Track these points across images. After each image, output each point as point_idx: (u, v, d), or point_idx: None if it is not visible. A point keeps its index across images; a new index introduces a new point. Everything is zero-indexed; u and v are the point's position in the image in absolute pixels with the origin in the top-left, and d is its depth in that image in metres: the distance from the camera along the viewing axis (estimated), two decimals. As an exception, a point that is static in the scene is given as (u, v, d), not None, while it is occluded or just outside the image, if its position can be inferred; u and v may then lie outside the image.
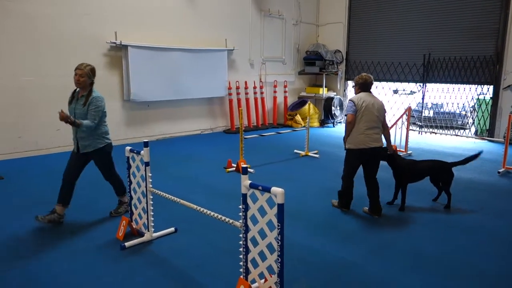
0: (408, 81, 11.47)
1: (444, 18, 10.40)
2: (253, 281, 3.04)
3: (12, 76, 7.20)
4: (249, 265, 3.03)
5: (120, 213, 4.72)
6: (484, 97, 10.25)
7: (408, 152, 8.10)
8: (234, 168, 6.73)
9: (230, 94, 10.56)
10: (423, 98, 11.18)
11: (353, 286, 3.33)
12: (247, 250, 3.00)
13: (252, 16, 11.06)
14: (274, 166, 7.21)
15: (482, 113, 10.19)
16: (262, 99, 11.42)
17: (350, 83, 12.65)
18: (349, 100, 4.78)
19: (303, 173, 6.74)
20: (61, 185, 4.41)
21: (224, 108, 10.81)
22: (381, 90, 12.16)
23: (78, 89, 4.38)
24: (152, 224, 4.06)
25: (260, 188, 2.77)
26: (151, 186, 3.97)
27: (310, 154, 7.93)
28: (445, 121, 11.34)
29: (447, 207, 5.09)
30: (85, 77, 4.26)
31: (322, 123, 12.15)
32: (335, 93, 12.45)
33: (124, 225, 4.15)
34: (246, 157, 6.97)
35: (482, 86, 10.29)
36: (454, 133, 10.69)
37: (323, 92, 12.15)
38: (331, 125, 12.06)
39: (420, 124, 11.31)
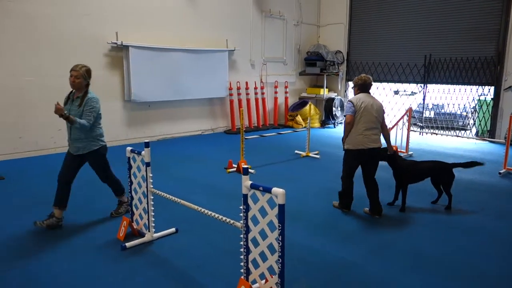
0: (409, 82, 11.47)
1: (445, 19, 10.40)
2: (254, 282, 3.03)
3: (13, 76, 7.20)
4: (250, 265, 3.02)
5: (121, 213, 4.72)
6: (485, 98, 10.24)
7: (409, 153, 8.09)
8: (235, 169, 6.73)
9: (231, 94, 10.56)
10: (424, 99, 11.18)
11: (353, 286, 3.33)
12: (248, 251, 2.99)
13: (253, 16, 11.06)
14: (275, 166, 7.21)
15: (483, 114, 10.19)
16: (263, 99, 11.42)
17: (351, 84, 12.64)
18: (348, 101, 4.80)
19: (304, 173, 6.74)
20: (57, 187, 4.33)
21: (225, 108, 10.81)
22: (382, 91, 12.16)
23: (74, 90, 4.34)
24: (153, 224, 4.06)
25: (261, 188, 2.77)
26: (152, 186, 3.97)
27: (311, 154, 7.93)
28: (446, 122, 11.34)
29: (448, 208, 5.08)
30: (81, 79, 4.22)
31: (323, 124, 12.14)
32: (336, 94, 12.45)
33: (125, 225, 4.15)
34: (247, 157, 6.97)
35: (483, 87, 10.28)
36: (455, 134, 10.68)
37: (324, 92, 12.15)
38: (332, 125, 12.06)
39: (421, 125, 11.31)
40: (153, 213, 4.03)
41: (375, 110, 4.71)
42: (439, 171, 5.09)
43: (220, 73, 10.22)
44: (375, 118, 4.71)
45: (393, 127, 7.98)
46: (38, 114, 7.45)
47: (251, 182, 2.85)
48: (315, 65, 12.23)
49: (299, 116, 11.66)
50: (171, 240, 4.13)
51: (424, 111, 11.38)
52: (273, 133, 8.67)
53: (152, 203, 4.01)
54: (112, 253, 3.82)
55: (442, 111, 11.64)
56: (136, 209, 4.20)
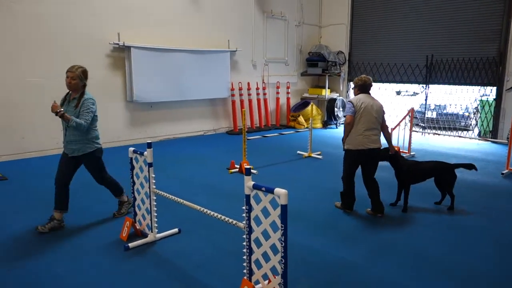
0: (411, 82, 11.46)
1: (447, 20, 10.39)
2: (257, 282, 3.04)
3: (16, 77, 7.23)
4: (253, 266, 3.03)
5: (123, 213, 4.73)
6: (487, 98, 10.23)
7: (411, 153, 8.09)
8: (237, 169, 6.73)
9: (233, 95, 10.57)
10: (426, 100, 11.17)
11: (354, 287, 3.33)
12: (250, 251, 3.00)
13: (255, 17, 11.07)
14: (277, 167, 7.21)
15: (485, 114, 10.17)
16: (265, 100, 11.42)
17: (352, 85, 12.64)
18: (348, 101, 4.83)
19: (306, 174, 6.74)
20: (55, 190, 4.31)
21: (227, 109, 10.82)
22: (384, 91, 12.15)
23: (70, 91, 4.31)
24: (156, 225, 4.07)
25: (263, 189, 2.77)
26: (154, 187, 3.98)
27: (313, 155, 7.93)
28: (448, 122, 11.32)
29: (451, 209, 5.08)
30: (77, 80, 4.20)
31: (325, 124, 12.14)
32: (337, 94, 12.45)
33: (127, 225, 4.16)
34: (249, 158, 6.98)
35: (485, 87, 10.27)
36: (457, 134, 10.67)
37: (326, 93, 12.15)
38: (334, 126, 12.06)
39: (423, 125, 11.29)
40: (155, 214, 4.04)
41: (375, 110, 4.72)
42: (441, 171, 5.08)
43: (222, 74, 10.24)
44: (375, 119, 4.72)
45: (395, 127, 7.97)
46: (41, 114, 7.46)
47: (253, 182, 2.85)
48: (317, 65, 12.23)
49: (301, 116, 11.66)
50: (174, 240, 4.14)
51: (426, 111, 11.37)
52: (275, 134, 8.68)
53: (155, 203, 4.01)
54: (115, 253, 3.83)
55: (444, 111, 11.63)
56: (139, 210, 4.22)
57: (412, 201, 5.20)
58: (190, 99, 9.83)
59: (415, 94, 12.62)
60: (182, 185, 5.97)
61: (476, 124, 10.85)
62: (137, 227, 4.22)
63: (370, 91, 4.92)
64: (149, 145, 3.88)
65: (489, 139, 9.84)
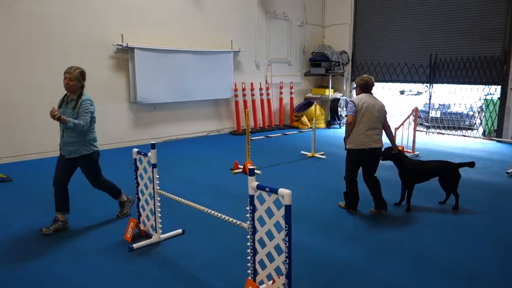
0: (415, 82, 11.43)
1: (451, 18, 10.35)
2: (261, 283, 3.04)
3: (18, 77, 7.26)
4: (257, 266, 3.03)
5: (126, 213, 4.73)
6: (492, 97, 10.18)
7: (416, 153, 8.06)
8: (240, 170, 6.74)
9: (236, 95, 10.58)
10: (430, 99, 11.13)
11: (357, 287, 3.33)
12: (254, 252, 3.00)
13: (258, 17, 11.08)
14: (280, 167, 7.21)
15: (490, 113, 10.12)
16: (268, 100, 11.42)
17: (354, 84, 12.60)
18: (350, 101, 4.85)
19: (309, 174, 6.73)
20: (54, 192, 4.30)
21: (230, 109, 10.83)
22: (387, 91, 12.12)
23: (68, 93, 4.29)
24: (160, 225, 4.07)
25: (267, 189, 2.77)
26: (158, 187, 3.99)
27: (316, 155, 7.92)
28: (452, 121, 11.28)
29: (455, 208, 5.05)
30: (75, 81, 4.16)
31: (329, 124, 12.13)
32: (341, 94, 12.43)
33: (132, 226, 4.17)
34: (253, 158, 6.98)
35: (489, 86, 10.22)
36: (461, 133, 10.62)
37: (329, 93, 12.13)
38: (338, 126, 12.03)
39: (427, 124, 11.26)
40: (160, 214, 4.04)
41: (376, 110, 4.74)
42: (445, 171, 5.06)
43: (225, 74, 10.24)
44: (377, 118, 4.74)
45: (399, 127, 7.96)
46: (41, 115, 7.42)
47: (257, 183, 2.85)
48: (320, 65, 12.22)
49: (304, 116, 11.65)
50: (178, 241, 4.15)
51: (430, 111, 11.33)
52: (279, 134, 8.67)
53: (159, 204, 4.02)
54: (120, 254, 3.84)
55: (449, 110, 11.59)
56: (143, 211, 4.22)
57: (417, 200, 5.19)
58: (194, 100, 9.85)
59: (419, 93, 12.59)
60: (186, 186, 5.98)
61: (481, 123, 10.80)
62: (142, 228, 4.23)
63: (372, 91, 4.94)
64: (153, 146, 3.89)
65: (494, 138, 9.79)
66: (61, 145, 4.31)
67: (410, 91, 13.31)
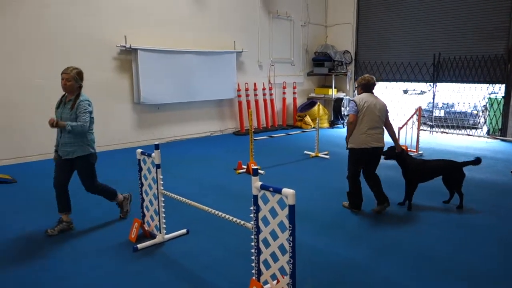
0: (418, 81, 11.39)
1: (454, 17, 10.32)
2: (266, 283, 3.04)
3: (20, 78, 7.28)
4: (261, 266, 3.03)
5: (127, 211, 4.75)
6: (496, 96, 10.14)
7: (419, 152, 8.04)
8: (244, 170, 6.74)
9: (239, 96, 10.59)
10: (433, 98, 11.10)
11: (359, 286, 3.33)
12: (259, 252, 3.00)
13: (261, 18, 11.08)
14: (284, 167, 7.21)
15: (494, 112, 10.08)
16: (271, 100, 11.42)
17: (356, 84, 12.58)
18: (351, 100, 4.86)
19: (313, 174, 6.73)
20: (56, 194, 4.30)
21: (234, 110, 10.84)
22: (391, 90, 12.09)
23: (66, 93, 4.27)
24: (164, 226, 4.09)
25: (271, 189, 2.77)
26: (162, 188, 4.00)
27: (320, 155, 7.92)
28: (456, 120, 11.25)
29: (460, 207, 5.04)
30: (72, 81, 4.13)
31: (332, 124, 12.11)
32: (344, 94, 12.42)
33: (136, 227, 4.18)
34: (256, 158, 6.98)
35: (493, 85, 10.18)
36: (465, 132, 10.59)
37: (333, 93, 12.13)
38: (341, 125, 12.02)
39: (431, 124, 11.23)
40: (164, 215, 4.06)
41: (378, 109, 4.75)
42: (450, 170, 5.05)
43: (228, 75, 10.26)
44: (378, 118, 4.75)
45: (403, 126, 7.94)
46: (41, 115, 7.39)
47: (261, 183, 2.86)
48: (323, 65, 12.21)
49: (307, 116, 11.64)
50: (182, 241, 4.16)
51: (434, 110, 11.30)
52: (282, 134, 8.67)
53: (163, 204, 4.03)
54: (124, 254, 3.85)
55: (452, 110, 11.55)
56: (147, 211, 4.24)
57: (421, 200, 5.18)
58: (197, 100, 9.86)
59: (422, 92, 12.57)
60: (190, 186, 5.99)
61: (485, 122, 10.76)
62: (146, 228, 4.24)
63: (374, 90, 4.94)
64: (156, 146, 3.90)
65: (498, 137, 9.76)
66: (58, 146, 4.28)
67: (414, 90, 13.28)
